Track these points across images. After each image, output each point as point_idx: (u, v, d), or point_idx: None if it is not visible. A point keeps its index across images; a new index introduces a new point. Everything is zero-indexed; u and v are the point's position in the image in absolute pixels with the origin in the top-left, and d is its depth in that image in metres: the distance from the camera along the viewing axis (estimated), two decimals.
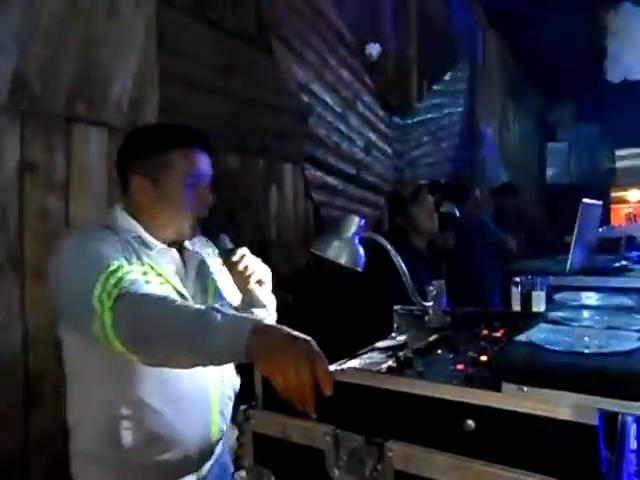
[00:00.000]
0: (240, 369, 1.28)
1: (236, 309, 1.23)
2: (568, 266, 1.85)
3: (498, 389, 0.68)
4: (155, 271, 1.13)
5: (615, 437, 0.62)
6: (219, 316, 0.86)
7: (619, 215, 7.11)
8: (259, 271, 1.25)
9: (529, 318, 1.11)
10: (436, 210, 2.51)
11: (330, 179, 2.99)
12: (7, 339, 1.38)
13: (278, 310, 1.38)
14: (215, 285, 1.28)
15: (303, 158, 2.73)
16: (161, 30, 1.84)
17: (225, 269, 1.28)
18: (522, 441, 0.65)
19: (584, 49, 5.72)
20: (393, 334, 1.25)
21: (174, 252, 1.22)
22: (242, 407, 0.89)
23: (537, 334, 0.83)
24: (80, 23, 1.57)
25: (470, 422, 0.68)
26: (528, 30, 5.61)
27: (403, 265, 1.24)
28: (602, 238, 2.68)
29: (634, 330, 0.84)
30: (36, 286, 1.45)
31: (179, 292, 1.15)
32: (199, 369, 1.02)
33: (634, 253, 2.50)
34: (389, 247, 1.24)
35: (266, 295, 1.28)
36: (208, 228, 1.30)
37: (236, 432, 0.94)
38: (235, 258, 1.23)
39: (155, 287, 1.05)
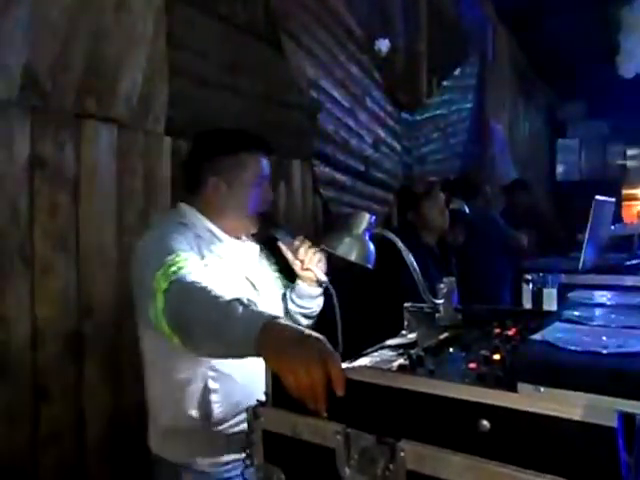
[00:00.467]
0: None
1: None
2: (581, 264, 1.83)
3: (513, 389, 0.67)
4: (224, 262, 1.23)
5: (634, 439, 0.60)
6: (241, 308, 0.90)
7: (630, 212, 7.04)
8: (318, 254, 1.34)
9: (542, 316, 1.09)
10: (446, 207, 2.49)
11: (339, 175, 2.97)
12: (17, 334, 1.38)
13: None
14: (275, 271, 1.43)
15: (312, 154, 2.72)
16: (170, 25, 1.83)
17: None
18: (538, 442, 0.64)
19: (596, 44, 5.66)
20: (403, 332, 1.24)
21: (241, 244, 1.33)
22: (251, 405, 0.88)
23: (553, 333, 0.81)
24: (89, 18, 1.56)
25: (485, 422, 0.66)
26: (539, 25, 5.56)
27: (414, 262, 1.22)
28: (614, 236, 2.65)
29: None
30: (46, 281, 1.45)
31: (250, 281, 1.26)
32: None
33: None
34: (400, 244, 1.23)
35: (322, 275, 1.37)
36: None
37: None
38: (298, 244, 1.33)
39: (211, 278, 1.08)
